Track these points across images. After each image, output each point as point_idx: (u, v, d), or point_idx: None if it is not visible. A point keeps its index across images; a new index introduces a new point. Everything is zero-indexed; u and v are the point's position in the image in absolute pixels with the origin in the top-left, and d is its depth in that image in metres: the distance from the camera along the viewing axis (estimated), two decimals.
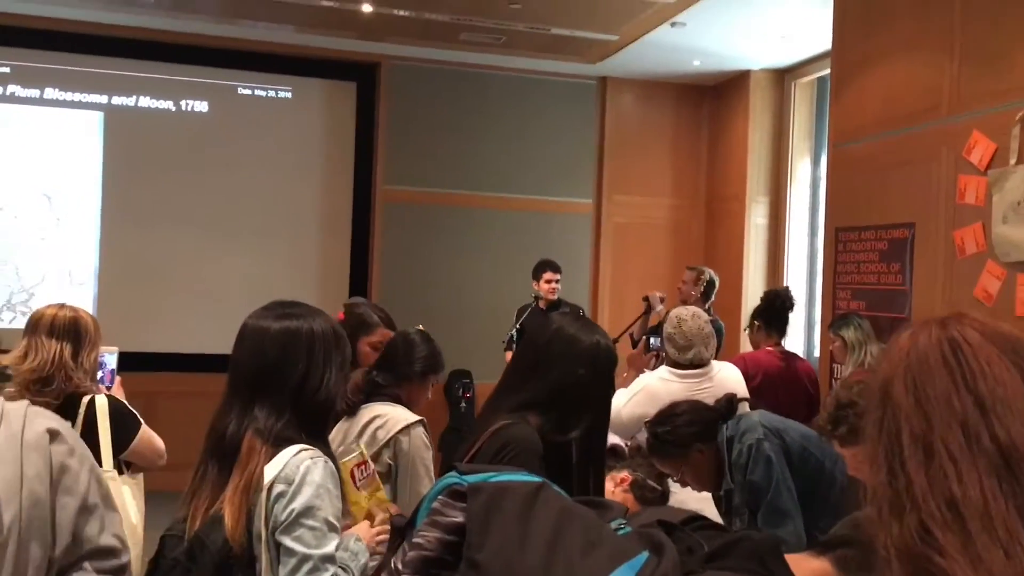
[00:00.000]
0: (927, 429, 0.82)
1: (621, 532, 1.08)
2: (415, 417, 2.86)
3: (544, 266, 6.32)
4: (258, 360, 1.90)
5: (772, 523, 2.67)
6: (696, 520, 1.17)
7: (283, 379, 1.88)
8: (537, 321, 2.37)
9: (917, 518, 0.78)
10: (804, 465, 2.75)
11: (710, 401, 2.98)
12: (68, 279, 7.02)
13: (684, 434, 2.73)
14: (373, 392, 2.92)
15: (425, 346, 3.04)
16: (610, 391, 2.19)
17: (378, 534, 2.06)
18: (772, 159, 7.29)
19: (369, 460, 2.21)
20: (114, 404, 2.78)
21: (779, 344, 4.93)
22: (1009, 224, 4.23)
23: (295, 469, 1.81)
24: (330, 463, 1.89)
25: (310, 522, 1.79)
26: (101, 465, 2.68)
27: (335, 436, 2.89)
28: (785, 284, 6.85)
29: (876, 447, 0.85)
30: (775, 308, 4.92)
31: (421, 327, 6.37)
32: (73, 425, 2.73)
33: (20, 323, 5.62)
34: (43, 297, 6.60)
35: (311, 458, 1.83)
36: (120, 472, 2.73)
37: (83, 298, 6.81)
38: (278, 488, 1.80)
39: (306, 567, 1.77)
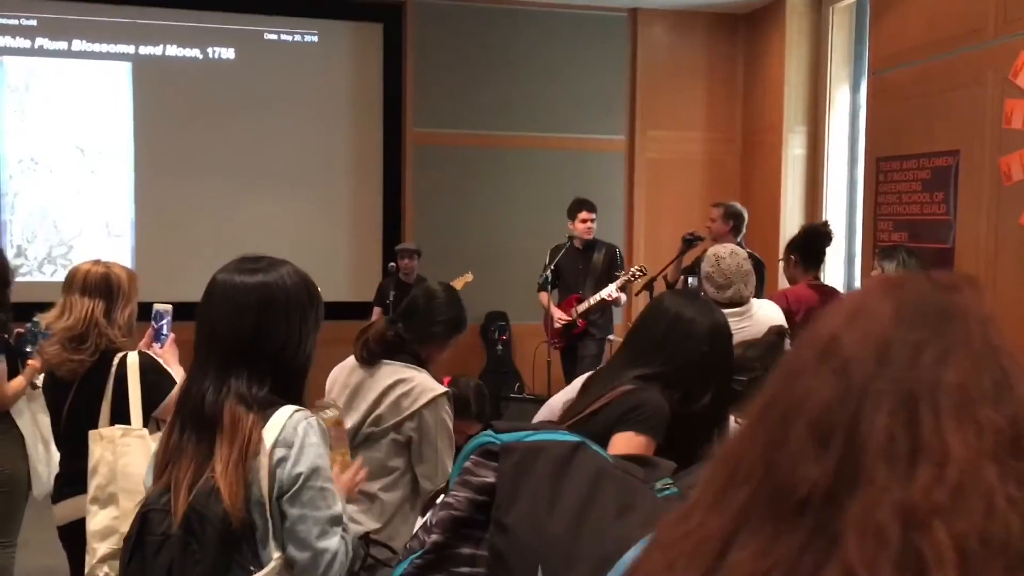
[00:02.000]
0: None
1: (667, 492, 1.04)
2: (441, 388, 2.77)
3: (579, 205, 6.22)
4: (235, 326, 1.80)
5: None
6: None
7: (262, 346, 1.79)
8: (651, 305, 2.39)
9: None
10: None
11: (749, 338, 2.93)
12: (106, 231, 7.07)
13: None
14: (395, 347, 2.80)
15: (448, 307, 2.89)
16: (731, 364, 2.22)
17: (349, 482, 2.02)
18: (809, 88, 7.10)
19: (344, 423, 2.13)
20: (146, 361, 2.79)
21: (816, 278, 4.84)
22: None
23: (293, 431, 1.74)
24: (321, 422, 1.84)
25: (317, 484, 1.75)
26: (130, 423, 2.69)
27: (349, 383, 2.82)
28: (824, 218, 6.72)
29: None
30: (813, 242, 4.81)
31: (464, 280, 6.35)
32: (105, 383, 2.75)
33: (61, 276, 5.70)
34: (82, 250, 6.66)
35: (306, 419, 1.77)
36: (156, 429, 2.75)
37: (121, 249, 6.88)
38: (279, 453, 1.73)
39: (316, 531, 1.74)
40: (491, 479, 1.10)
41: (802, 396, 0.68)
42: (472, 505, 1.12)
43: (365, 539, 2.62)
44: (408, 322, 2.88)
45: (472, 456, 1.14)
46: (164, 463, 1.80)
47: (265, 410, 1.75)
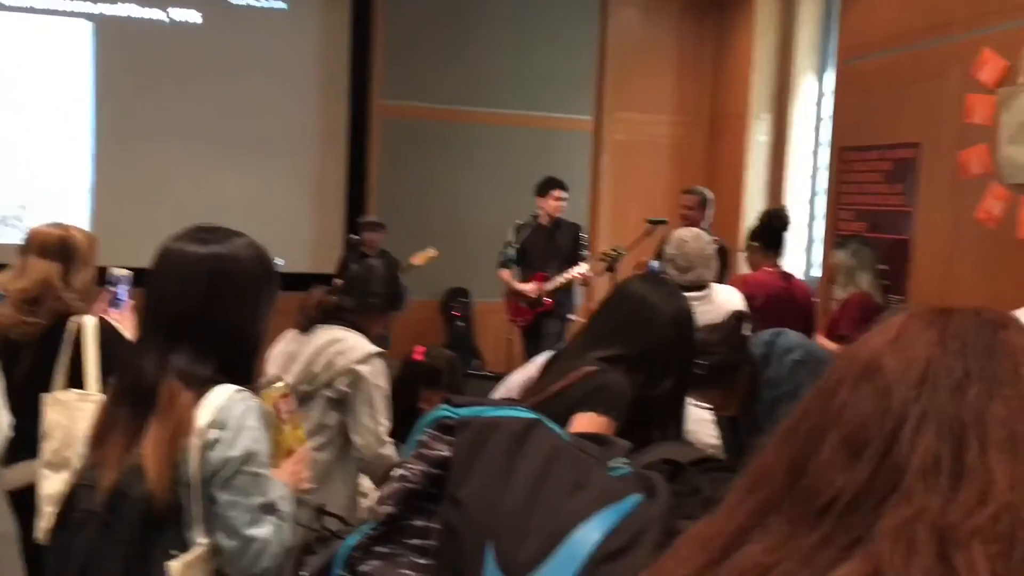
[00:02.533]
0: None
1: (620, 472, 1.05)
2: (375, 348, 2.85)
3: (553, 183, 6.22)
4: (183, 298, 1.71)
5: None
6: (707, 461, 1.13)
7: (211, 321, 1.70)
8: (616, 289, 2.42)
9: None
10: None
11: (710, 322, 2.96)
12: (63, 194, 6.94)
13: (734, 358, 2.69)
14: (333, 314, 2.90)
15: (386, 282, 3.01)
16: (693, 350, 2.25)
17: (300, 472, 1.94)
18: (776, 75, 7.14)
19: (292, 393, 2.06)
20: (104, 327, 2.76)
21: (777, 264, 4.90)
22: (1016, 145, 4.16)
23: (229, 413, 1.65)
24: (262, 404, 1.76)
25: (251, 469, 1.66)
26: (85, 388, 2.67)
27: (287, 349, 2.91)
28: (783, 203, 6.79)
29: None
30: (772, 228, 4.87)
31: (427, 255, 6.35)
32: (60, 347, 2.71)
33: (15, 238, 5.57)
34: (38, 212, 6.52)
35: (245, 400, 1.69)
36: None
37: (79, 213, 6.75)
38: (213, 434, 1.64)
39: (247, 518, 1.66)
40: (446, 453, 1.11)
41: (839, 409, 0.71)
42: (427, 478, 1.12)
43: (319, 511, 2.64)
44: (348, 294, 2.98)
45: (428, 430, 1.15)
46: (98, 436, 1.73)
47: (203, 388, 1.66)
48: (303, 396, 2.80)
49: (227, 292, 1.72)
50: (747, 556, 0.68)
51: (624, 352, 2.10)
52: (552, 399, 2.02)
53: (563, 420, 1.87)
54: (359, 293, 2.97)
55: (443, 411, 1.15)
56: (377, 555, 1.14)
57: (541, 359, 2.44)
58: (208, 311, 1.71)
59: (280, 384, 2.00)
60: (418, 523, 1.12)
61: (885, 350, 0.72)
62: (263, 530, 1.68)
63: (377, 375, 2.83)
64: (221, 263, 1.73)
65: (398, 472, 1.16)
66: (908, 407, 0.68)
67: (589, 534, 0.93)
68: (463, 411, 1.13)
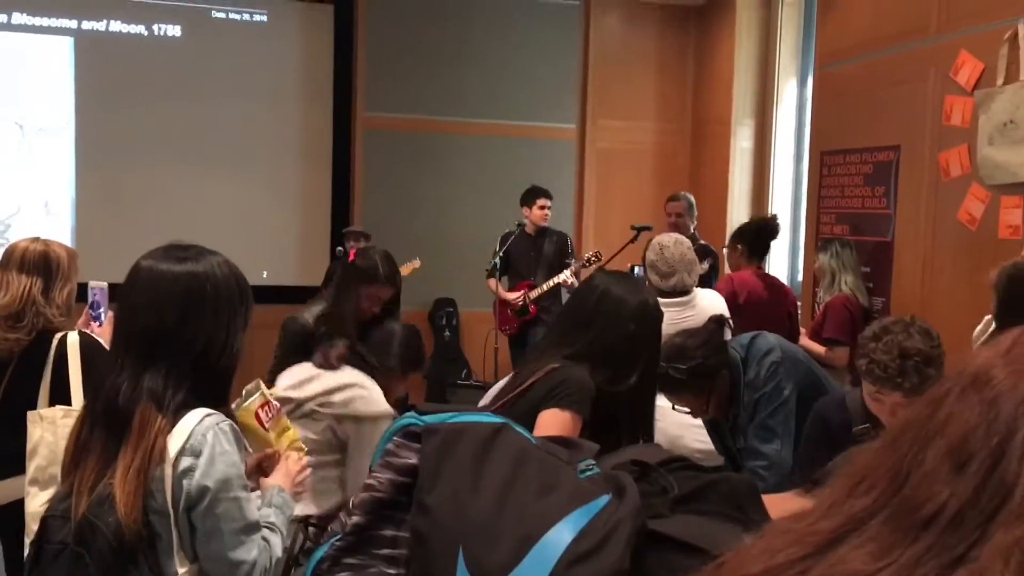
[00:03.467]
0: None
1: (588, 473, 1.05)
2: (389, 409, 2.83)
3: (537, 192, 6.27)
4: (157, 317, 1.67)
5: (760, 437, 2.69)
6: (675, 461, 1.13)
7: (185, 341, 1.67)
8: (581, 285, 2.42)
9: None
10: (810, 390, 2.76)
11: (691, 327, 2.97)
12: (44, 210, 6.91)
13: (713, 363, 2.70)
14: (355, 364, 2.89)
15: (403, 345, 3.00)
16: (658, 345, 2.22)
17: (298, 475, 1.95)
18: (758, 81, 7.18)
19: (272, 400, 2.02)
20: (87, 341, 2.74)
21: (760, 267, 4.93)
22: (995, 146, 4.19)
23: (202, 439, 1.62)
24: (235, 425, 1.73)
25: (230, 495, 1.64)
26: (71, 404, 2.65)
27: (303, 371, 2.85)
28: (771, 210, 6.82)
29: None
30: (761, 236, 4.90)
31: (412, 266, 6.34)
32: (43, 362, 2.70)
33: None
34: (20, 228, 6.50)
35: (216, 424, 1.65)
36: None
37: (61, 229, 6.72)
38: (186, 462, 1.61)
39: (231, 542, 1.64)
40: (413, 460, 1.10)
41: (945, 420, 0.68)
42: (394, 487, 1.12)
43: (304, 523, 2.63)
44: (370, 350, 2.96)
45: (395, 438, 1.14)
46: (72, 463, 1.70)
47: (177, 413, 1.63)
48: (311, 414, 2.80)
49: (202, 311, 1.69)
50: (846, 561, 0.66)
51: (588, 347, 2.09)
52: (517, 400, 2.01)
53: (529, 420, 1.86)
54: (379, 355, 2.96)
55: (409, 419, 1.14)
56: (346, 566, 1.13)
57: None
58: (182, 330, 1.68)
59: (255, 397, 1.98)
60: (387, 532, 1.12)
61: (996, 362, 0.68)
62: (251, 551, 1.67)
63: (378, 435, 2.83)
64: (196, 280, 1.70)
65: (366, 481, 1.16)
66: (1017, 421, 0.64)
67: (560, 536, 0.93)
68: (429, 418, 1.12)
